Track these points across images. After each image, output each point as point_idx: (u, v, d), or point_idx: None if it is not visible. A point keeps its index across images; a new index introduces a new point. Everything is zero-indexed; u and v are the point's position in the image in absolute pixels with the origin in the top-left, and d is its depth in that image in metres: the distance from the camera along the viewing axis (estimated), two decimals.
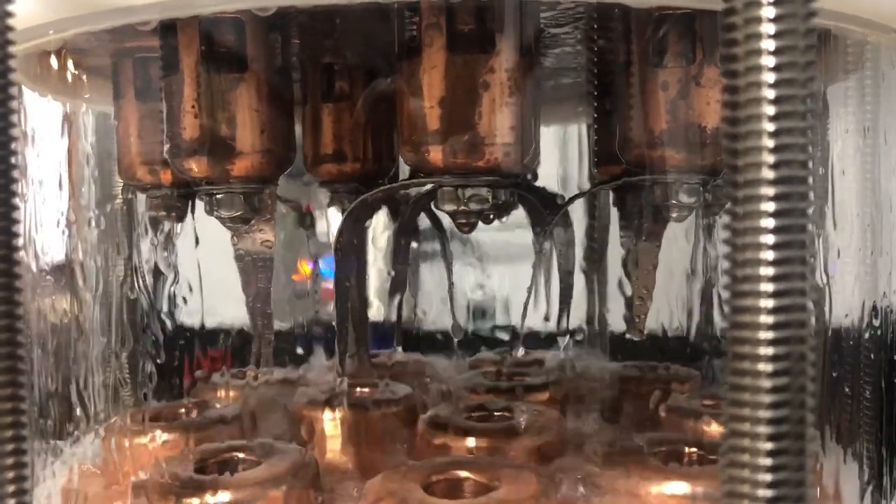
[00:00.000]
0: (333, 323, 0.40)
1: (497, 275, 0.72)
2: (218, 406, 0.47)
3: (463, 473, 0.34)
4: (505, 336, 0.68)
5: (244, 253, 0.40)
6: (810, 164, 0.21)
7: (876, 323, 0.42)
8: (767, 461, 0.21)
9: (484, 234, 0.66)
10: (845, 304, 0.41)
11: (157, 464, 0.37)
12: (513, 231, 0.50)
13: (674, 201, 0.37)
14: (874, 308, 0.42)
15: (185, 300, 0.56)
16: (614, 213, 0.50)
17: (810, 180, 0.21)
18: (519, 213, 0.45)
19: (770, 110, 0.21)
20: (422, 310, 0.62)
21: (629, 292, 0.46)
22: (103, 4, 0.29)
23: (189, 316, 0.61)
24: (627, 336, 0.50)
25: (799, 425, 0.21)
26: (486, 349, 0.61)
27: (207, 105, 0.35)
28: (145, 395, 0.50)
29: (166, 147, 0.36)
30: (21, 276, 0.22)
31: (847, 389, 0.42)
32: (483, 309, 0.73)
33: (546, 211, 0.45)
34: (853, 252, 0.42)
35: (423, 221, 0.51)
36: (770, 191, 0.21)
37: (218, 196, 0.36)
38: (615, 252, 0.51)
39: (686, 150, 0.35)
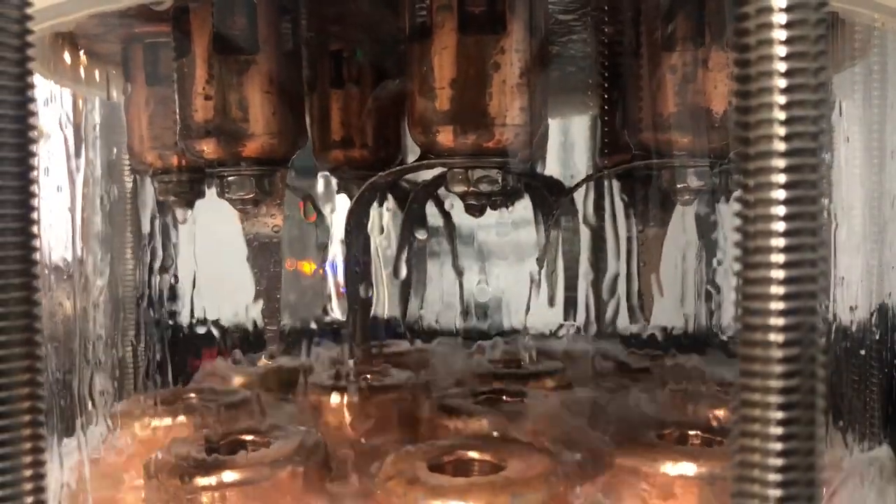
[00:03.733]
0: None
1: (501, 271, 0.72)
2: (227, 391, 0.47)
3: (471, 453, 0.35)
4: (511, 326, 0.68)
5: (253, 237, 0.40)
6: (822, 138, 0.22)
7: (882, 321, 0.42)
8: (779, 430, 0.21)
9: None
10: (851, 299, 0.41)
11: (169, 445, 0.37)
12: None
13: (681, 185, 0.37)
14: (881, 305, 0.42)
15: (187, 291, 0.56)
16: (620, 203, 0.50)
17: (821, 154, 0.22)
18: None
19: (782, 83, 0.21)
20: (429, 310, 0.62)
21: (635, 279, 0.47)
22: None
23: (195, 306, 0.61)
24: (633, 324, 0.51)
25: (810, 395, 0.22)
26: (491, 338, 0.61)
27: (219, 87, 0.35)
28: (153, 381, 0.50)
29: (178, 129, 0.36)
30: (37, 274, 0.23)
31: (853, 386, 0.42)
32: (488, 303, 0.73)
33: (552, 198, 0.45)
34: (860, 245, 0.42)
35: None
36: (781, 163, 0.21)
37: (229, 178, 0.36)
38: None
39: (694, 133, 0.35)
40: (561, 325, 0.55)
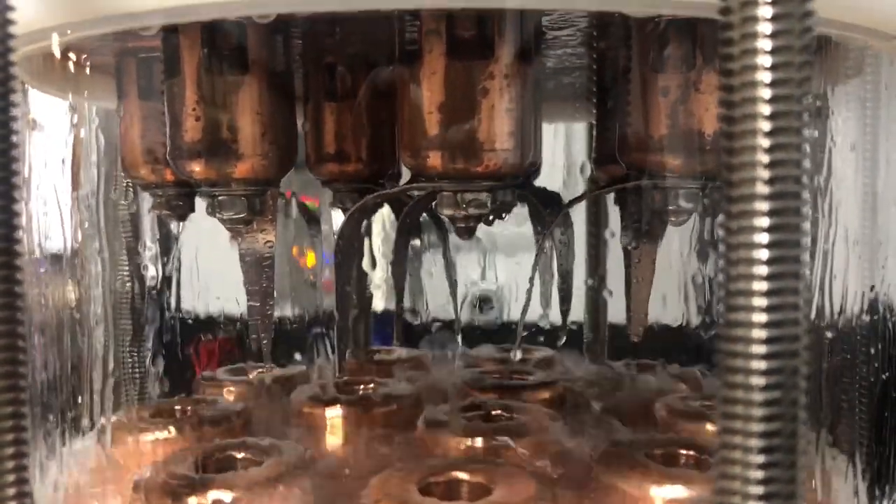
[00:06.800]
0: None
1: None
2: (219, 403, 0.47)
3: (460, 475, 0.35)
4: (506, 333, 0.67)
5: (245, 253, 0.40)
6: (806, 164, 0.21)
7: (873, 316, 0.42)
8: (760, 442, 0.21)
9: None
10: (842, 298, 0.41)
11: (158, 462, 0.37)
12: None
13: (672, 206, 0.37)
14: (872, 302, 0.42)
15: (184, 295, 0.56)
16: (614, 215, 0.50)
17: (805, 180, 0.22)
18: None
19: (766, 110, 0.21)
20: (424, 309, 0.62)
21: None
22: (106, 10, 0.29)
23: (192, 310, 0.61)
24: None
25: (792, 408, 0.21)
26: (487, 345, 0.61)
27: (209, 107, 0.35)
28: (147, 391, 0.50)
29: (168, 149, 0.36)
30: (21, 268, 0.23)
31: (842, 384, 0.42)
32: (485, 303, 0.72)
33: (546, 210, 0.45)
34: (851, 247, 0.41)
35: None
36: (765, 189, 0.21)
37: (219, 198, 0.36)
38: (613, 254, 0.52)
39: (685, 156, 0.35)
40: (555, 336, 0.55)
